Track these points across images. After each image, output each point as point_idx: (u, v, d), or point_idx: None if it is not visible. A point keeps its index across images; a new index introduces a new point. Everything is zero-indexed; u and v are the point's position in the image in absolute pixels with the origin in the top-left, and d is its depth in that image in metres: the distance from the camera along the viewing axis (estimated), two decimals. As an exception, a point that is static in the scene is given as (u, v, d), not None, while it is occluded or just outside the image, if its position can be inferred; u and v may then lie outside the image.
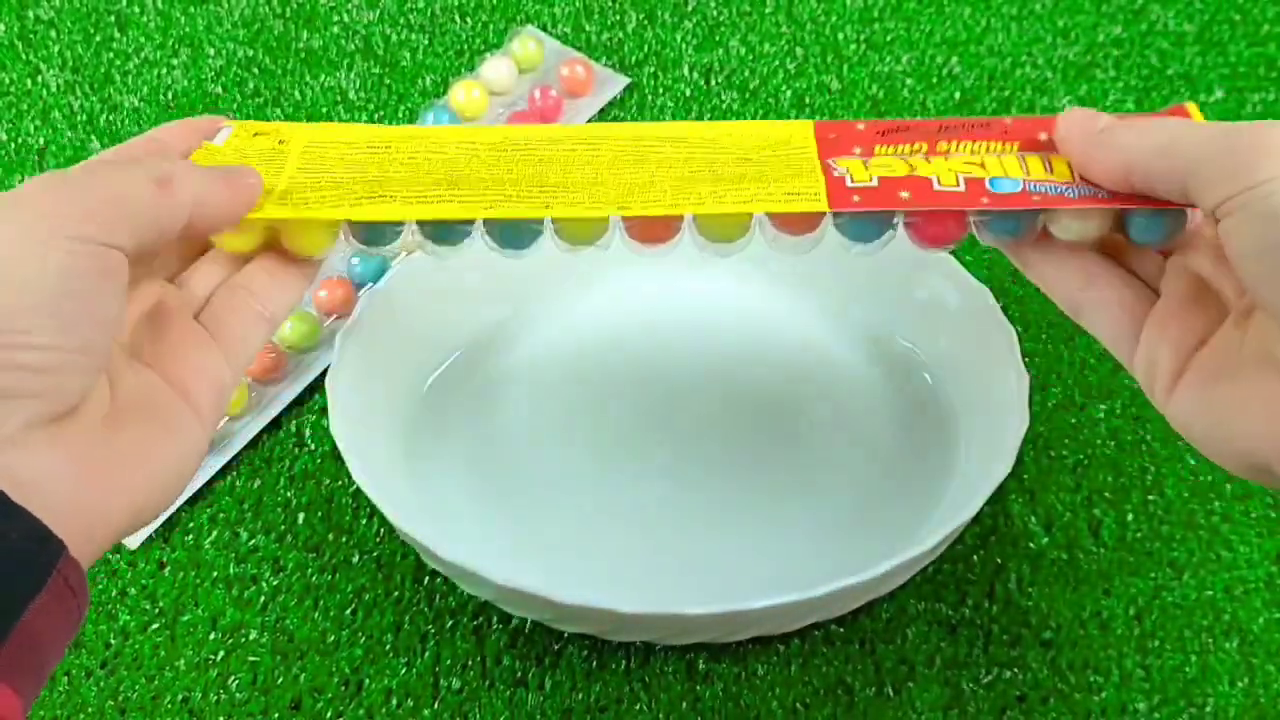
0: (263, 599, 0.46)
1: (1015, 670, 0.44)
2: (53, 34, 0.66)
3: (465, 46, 0.65)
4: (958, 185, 0.35)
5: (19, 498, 0.27)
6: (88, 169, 0.31)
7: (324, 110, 0.62)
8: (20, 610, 0.27)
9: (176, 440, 0.32)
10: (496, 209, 0.36)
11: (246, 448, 0.50)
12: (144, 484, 0.31)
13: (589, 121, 0.62)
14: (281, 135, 0.38)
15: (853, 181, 0.36)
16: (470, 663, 0.45)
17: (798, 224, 0.36)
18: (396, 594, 0.46)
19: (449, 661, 0.45)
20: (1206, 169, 0.31)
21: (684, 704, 0.44)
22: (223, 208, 0.34)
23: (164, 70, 0.64)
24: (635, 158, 0.37)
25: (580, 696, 0.44)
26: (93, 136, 0.61)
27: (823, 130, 0.38)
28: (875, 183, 0.36)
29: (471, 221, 0.36)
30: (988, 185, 0.35)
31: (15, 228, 0.28)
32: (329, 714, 0.43)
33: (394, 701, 0.44)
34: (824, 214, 0.35)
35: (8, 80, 0.64)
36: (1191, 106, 0.36)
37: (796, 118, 0.62)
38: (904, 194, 0.35)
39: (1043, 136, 0.37)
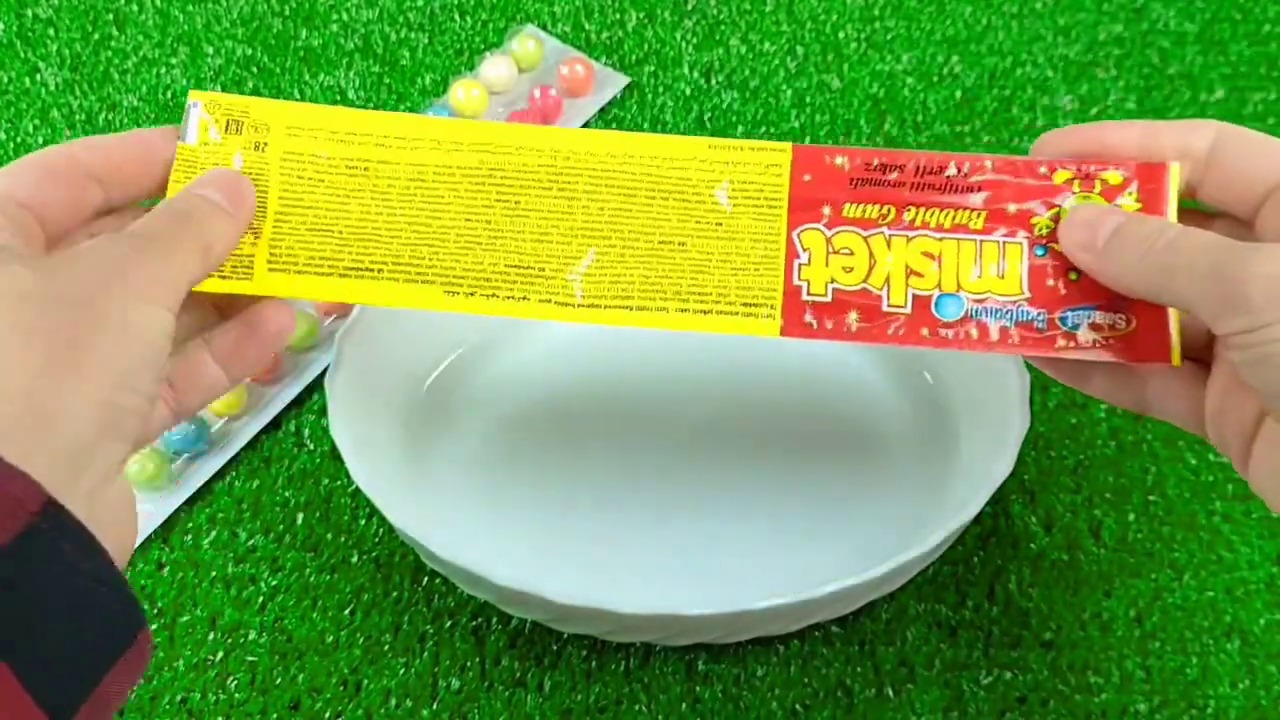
0: (261, 599, 0.46)
1: (1016, 672, 0.44)
2: (51, 32, 0.65)
3: (465, 45, 0.65)
4: (905, 307, 0.36)
5: (104, 540, 0.28)
6: (155, 237, 0.33)
7: (323, 109, 0.62)
8: (100, 675, 0.27)
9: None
10: (476, 299, 0.36)
11: (245, 448, 0.50)
12: (134, 530, 0.32)
13: (590, 120, 0.61)
14: (257, 132, 0.37)
15: (810, 293, 0.36)
16: (469, 663, 0.44)
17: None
18: (395, 594, 0.46)
19: (448, 662, 0.44)
20: (1204, 306, 0.31)
21: (683, 705, 0.44)
22: (232, 248, 0.36)
23: (163, 69, 0.64)
24: (609, 219, 0.37)
25: (579, 697, 0.44)
26: (91, 135, 0.61)
27: (799, 165, 0.37)
28: (829, 297, 0.36)
29: None
30: (933, 309, 0.36)
31: (134, 287, 0.31)
32: (328, 714, 0.43)
33: (393, 702, 0.44)
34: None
35: (6, 79, 0.63)
36: (1173, 169, 0.35)
37: (797, 117, 0.62)
38: (852, 317, 0.36)
39: (1011, 208, 0.37)
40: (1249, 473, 0.34)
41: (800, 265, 0.37)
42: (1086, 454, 0.50)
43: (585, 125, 0.61)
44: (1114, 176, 0.36)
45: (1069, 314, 0.36)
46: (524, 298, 0.36)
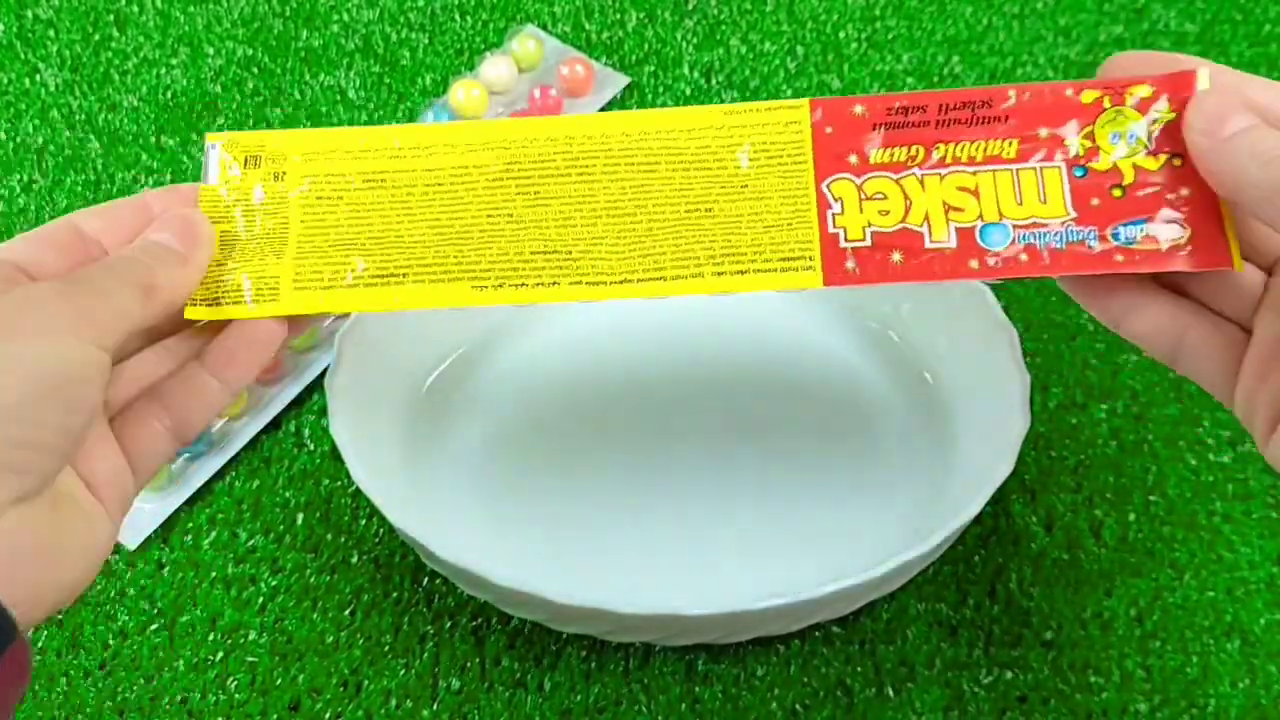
0: (261, 599, 0.46)
1: (1016, 671, 0.44)
2: (51, 33, 0.65)
3: (465, 45, 0.65)
4: (948, 240, 0.35)
5: None
6: (88, 279, 0.33)
7: (324, 109, 0.62)
8: None
9: (95, 529, 0.33)
10: (505, 290, 0.36)
11: (245, 448, 0.50)
12: (75, 565, 0.32)
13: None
14: (275, 163, 0.38)
15: (847, 239, 0.36)
16: (469, 664, 0.44)
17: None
18: (396, 595, 0.46)
19: (448, 662, 0.44)
20: None
21: (683, 705, 0.44)
22: (189, 291, 0.36)
23: (163, 69, 0.64)
24: (632, 196, 0.37)
25: (579, 698, 0.44)
26: (91, 136, 0.61)
27: (819, 120, 0.37)
28: (869, 240, 0.36)
29: None
30: (978, 239, 0.35)
31: (32, 323, 0.31)
32: (328, 715, 0.43)
33: (393, 702, 0.44)
34: None
35: (6, 79, 0.63)
36: (1202, 74, 0.35)
37: (797, 117, 0.62)
38: (896, 257, 0.35)
39: (1042, 132, 0.36)
40: (1270, 444, 0.33)
41: (834, 215, 0.36)
42: (1087, 454, 0.50)
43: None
44: (1143, 89, 0.35)
45: (1121, 229, 0.35)
46: (554, 283, 0.36)
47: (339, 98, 0.63)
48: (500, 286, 0.36)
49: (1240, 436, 0.50)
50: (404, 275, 0.36)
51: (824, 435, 0.49)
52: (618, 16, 0.66)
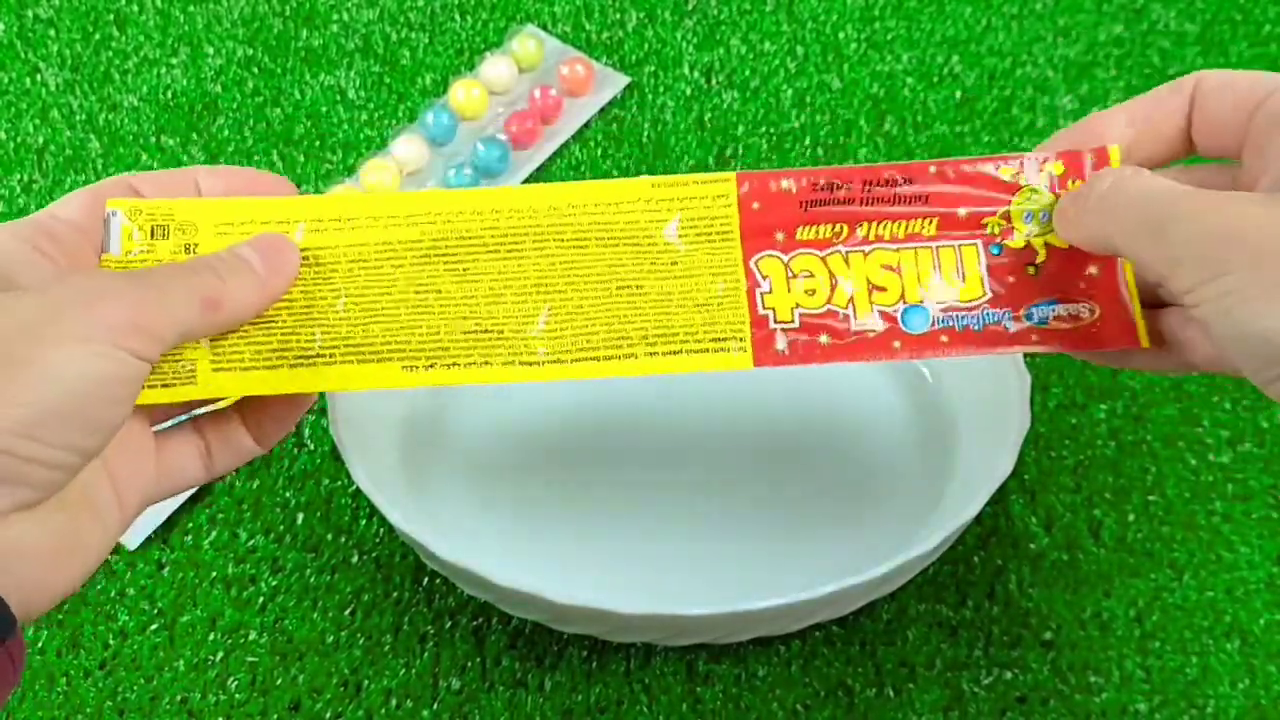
0: (262, 599, 0.46)
1: (1016, 671, 0.44)
2: (52, 33, 0.65)
3: (465, 45, 0.65)
4: (872, 324, 0.36)
5: None
6: (154, 277, 0.32)
7: (324, 109, 0.62)
8: None
9: (103, 528, 0.32)
10: (436, 370, 0.35)
11: (246, 448, 0.50)
12: (76, 565, 0.31)
13: (590, 120, 0.61)
14: (185, 234, 0.36)
15: (776, 320, 0.36)
16: (470, 664, 0.44)
17: None
18: (396, 595, 0.46)
19: (448, 662, 0.44)
20: (1148, 267, 0.31)
21: (684, 705, 0.44)
22: (254, 314, 0.35)
23: (163, 69, 0.64)
24: (562, 273, 0.36)
25: (580, 698, 0.44)
26: (91, 136, 0.61)
27: (746, 195, 0.37)
28: (796, 322, 0.36)
29: None
30: (900, 323, 0.36)
31: (78, 327, 0.29)
32: (328, 715, 0.43)
33: (393, 702, 0.44)
34: None
35: (6, 79, 0.63)
36: (1114, 151, 0.35)
37: (797, 117, 0.62)
38: (823, 339, 0.36)
39: (961, 211, 0.36)
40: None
41: (762, 294, 0.36)
42: (1086, 454, 0.50)
43: (586, 125, 0.61)
44: (1057, 167, 0.36)
45: (1034, 310, 0.36)
46: (485, 362, 0.35)
47: (339, 98, 0.63)
48: (431, 367, 0.35)
49: (1240, 436, 0.50)
50: (330, 355, 0.35)
51: (824, 435, 0.49)
52: (618, 16, 0.66)
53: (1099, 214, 0.33)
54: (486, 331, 0.36)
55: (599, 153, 0.60)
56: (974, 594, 0.46)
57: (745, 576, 0.44)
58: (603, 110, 0.62)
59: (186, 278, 0.32)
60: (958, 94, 0.62)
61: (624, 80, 0.63)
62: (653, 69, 0.64)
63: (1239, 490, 0.48)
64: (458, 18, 0.66)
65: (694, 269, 0.36)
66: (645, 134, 0.61)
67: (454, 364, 0.35)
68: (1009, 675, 0.44)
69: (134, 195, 0.35)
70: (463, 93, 0.60)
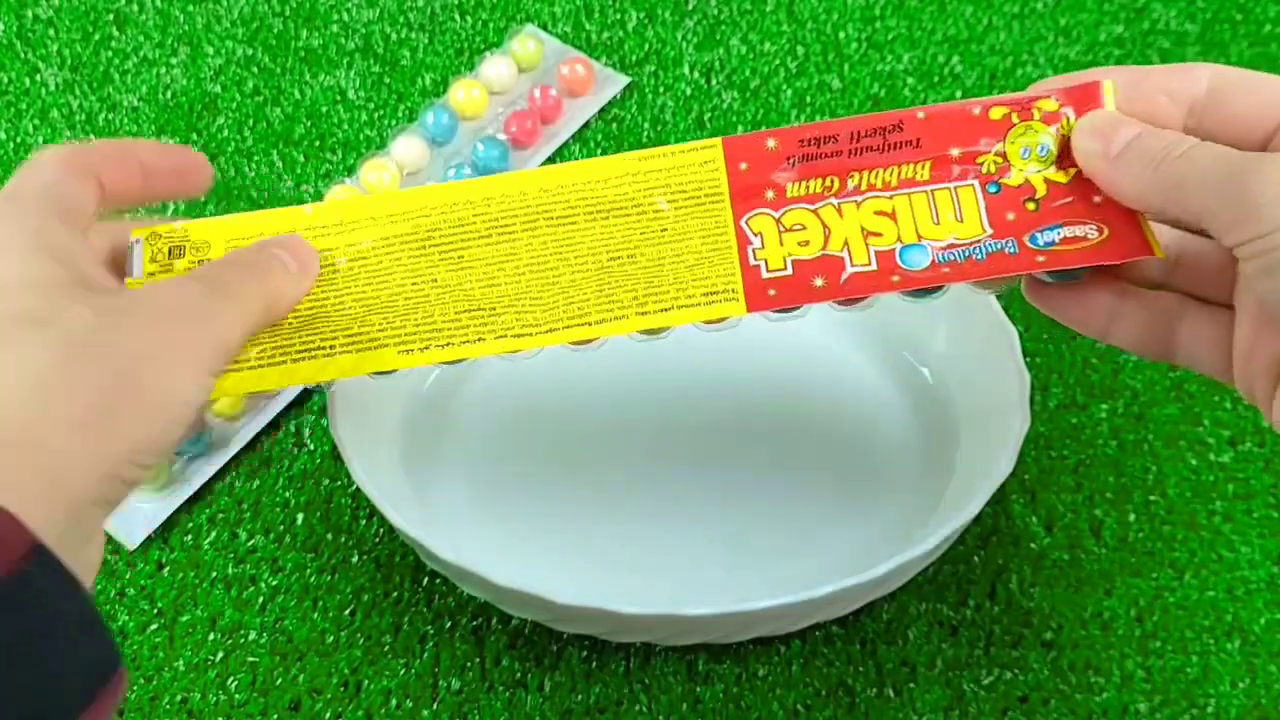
0: (261, 600, 0.46)
1: (1016, 671, 0.44)
2: (51, 33, 0.65)
3: (465, 45, 0.65)
4: (869, 264, 0.35)
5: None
6: (227, 284, 0.33)
7: (323, 109, 0.62)
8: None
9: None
10: (431, 351, 0.36)
11: (245, 448, 0.50)
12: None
13: (590, 120, 0.61)
14: (199, 251, 0.38)
15: (768, 271, 0.36)
16: (469, 664, 0.44)
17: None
18: (396, 594, 0.46)
19: (448, 662, 0.44)
20: (1216, 217, 0.30)
21: (684, 705, 0.43)
22: (292, 307, 0.36)
23: (163, 69, 0.64)
24: (554, 250, 0.37)
25: (580, 698, 0.44)
26: (91, 136, 0.61)
27: (733, 155, 0.37)
28: (789, 270, 0.36)
29: None
30: (898, 260, 0.35)
31: (183, 354, 0.30)
32: (328, 715, 0.43)
33: (393, 702, 0.44)
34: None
35: (6, 79, 0.63)
36: (1107, 86, 0.35)
37: (797, 117, 0.62)
38: (818, 281, 0.35)
39: (954, 151, 0.36)
40: (1274, 414, 0.33)
41: (754, 250, 0.36)
42: (1087, 453, 0.49)
43: (586, 125, 0.61)
44: (1049, 103, 0.36)
45: (1038, 235, 0.35)
46: (480, 339, 0.36)
47: (339, 97, 0.62)
48: (426, 349, 0.36)
49: (1240, 436, 0.50)
50: (331, 348, 0.36)
51: (824, 435, 0.49)
52: (618, 16, 0.66)
53: (1125, 170, 0.33)
54: (480, 309, 0.36)
55: (599, 152, 0.60)
56: (975, 594, 0.46)
57: (746, 576, 0.44)
58: (603, 110, 0.62)
59: (252, 280, 0.34)
60: (958, 94, 0.62)
61: (624, 80, 0.63)
62: (653, 69, 0.64)
63: (1240, 489, 0.48)
64: (458, 18, 0.66)
65: (685, 233, 0.36)
66: (645, 134, 0.61)
67: (448, 343, 0.36)
68: (1010, 675, 0.44)
69: (91, 172, 0.35)
70: (463, 93, 0.60)
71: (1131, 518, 0.48)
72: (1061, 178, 0.36)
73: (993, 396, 0.45)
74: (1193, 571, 0.46)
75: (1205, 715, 0.43)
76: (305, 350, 0.36)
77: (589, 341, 0.36)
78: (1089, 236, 0.35)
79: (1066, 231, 0.35)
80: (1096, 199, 0.35)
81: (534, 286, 0.36)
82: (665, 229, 0.37)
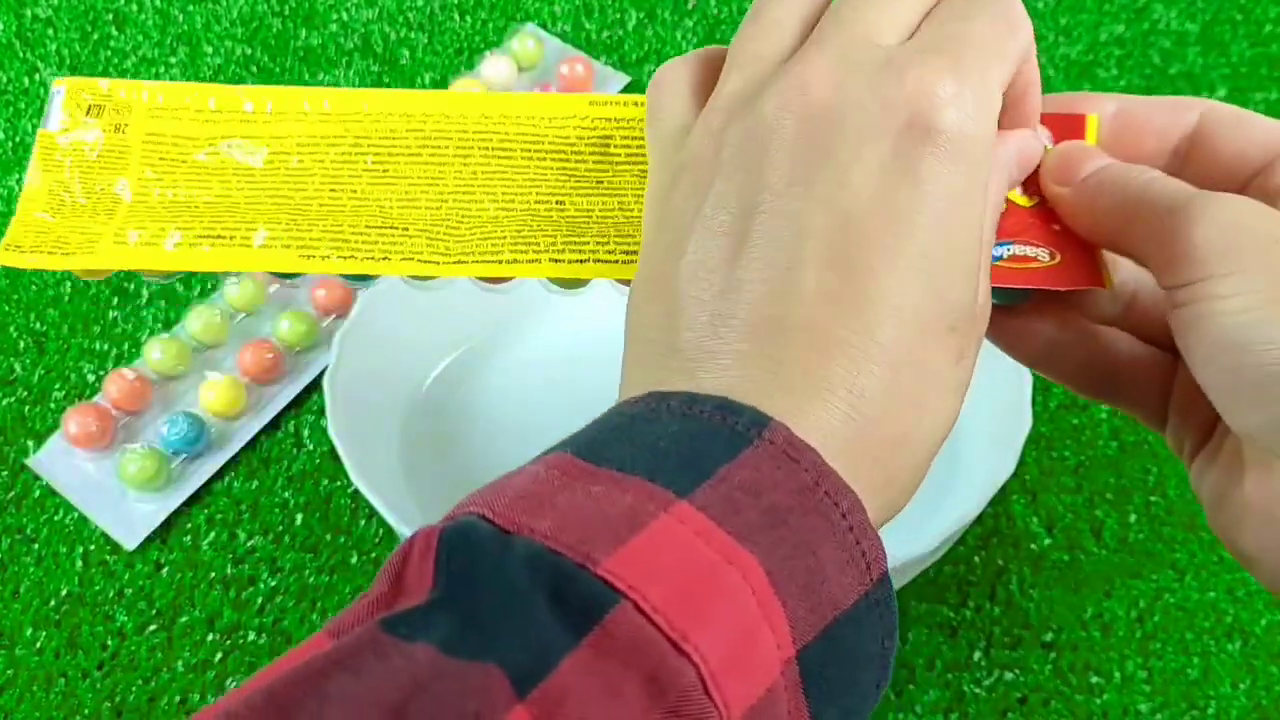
0: (260, 600, 0.46)
1: (1017, 672, 0.44)
2: (50, 32, 0.65)
3: (465, 45, 0.65)
4: None
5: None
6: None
7: (323, 109, 0.62)
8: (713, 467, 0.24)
9: None
10: (332, 261, 0.34)
11: (244, 448, 0.50)
12: None
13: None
14: (118, 114, 0.36)
15: None
16: (469, 664, 0.44)
17: None
18: (395, 595, 0.46)
19: (447, 663, 0.44)
20: (1154, 254, 0.28)
21: (684, 706, 0.43)
22: None
23: (162, 69, 0.64)
24: (482, 182, 0.35)
25: (579, 698, 0.44)
26: (90, 135, 0.61)
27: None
28: None
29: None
30: None
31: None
32: (327, 716, 0.43)
33: (392, 703, 0.43)
34: None
35: (5, 79, 0.63)
36: (1091, 120, 0.33)
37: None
38: None
39: None
40: (1192, 478, 0.31)
41: None
42: (1088, 454, 0.49)
43: (585, 125, 0.61)
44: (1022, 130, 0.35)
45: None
46: (385, 257, 0.34)
47: (338, 97, 0.62)
48: (327, 258, 0.34)
49: (1241, 437, 0.50)
50: (230, 238, 0.34)
51: (824, 436, 0.49)
52: (618, 16, 0.66)
53: (1086, 197, 0.31)
54: (392, 228, 0.34)
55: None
56: (975, 595, 0.46)
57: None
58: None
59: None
60: (958, 93, 0.62)
61: (624, 80, 0.63)
62: (652, 68, 0.64)
63: (1240, 491, 0.48)
64: (457, 17, 0.66)
65: (619, 188, 0.35)
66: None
67: (352, 255, 0.34)
68: (1010, 676, 0.44)
69: None
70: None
71: (1132, 519, 0.48)
72: (1025, 201, 0.34)
73: (994, 397, 0.45)
74: (1193, 573, 0.46)
75: (1206, 717, 0.43)
76: (205, 235, 0.34)
77: (499, 281, 0.35)
78: (1039, 259, 0.34)
79: (1016, 249, 0.33)
80: (1055, 227, 0.34)
81: (453, 215, 0.35)
82: (601, 181, 0.35)
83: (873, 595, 0.24)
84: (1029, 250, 0.33)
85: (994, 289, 0.31)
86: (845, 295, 0.25)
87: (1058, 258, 0.33)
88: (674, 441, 0.24)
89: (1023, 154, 0.31)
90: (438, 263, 0.34)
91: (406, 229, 0.34)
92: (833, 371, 0.25)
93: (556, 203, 0.35)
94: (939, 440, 0.28)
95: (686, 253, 0.27)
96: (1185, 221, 0.27)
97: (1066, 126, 0.34)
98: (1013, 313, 0.34)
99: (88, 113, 0.36)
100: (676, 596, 0.21)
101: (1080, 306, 0.33)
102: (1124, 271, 0.33)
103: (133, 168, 0.35)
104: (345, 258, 0.34)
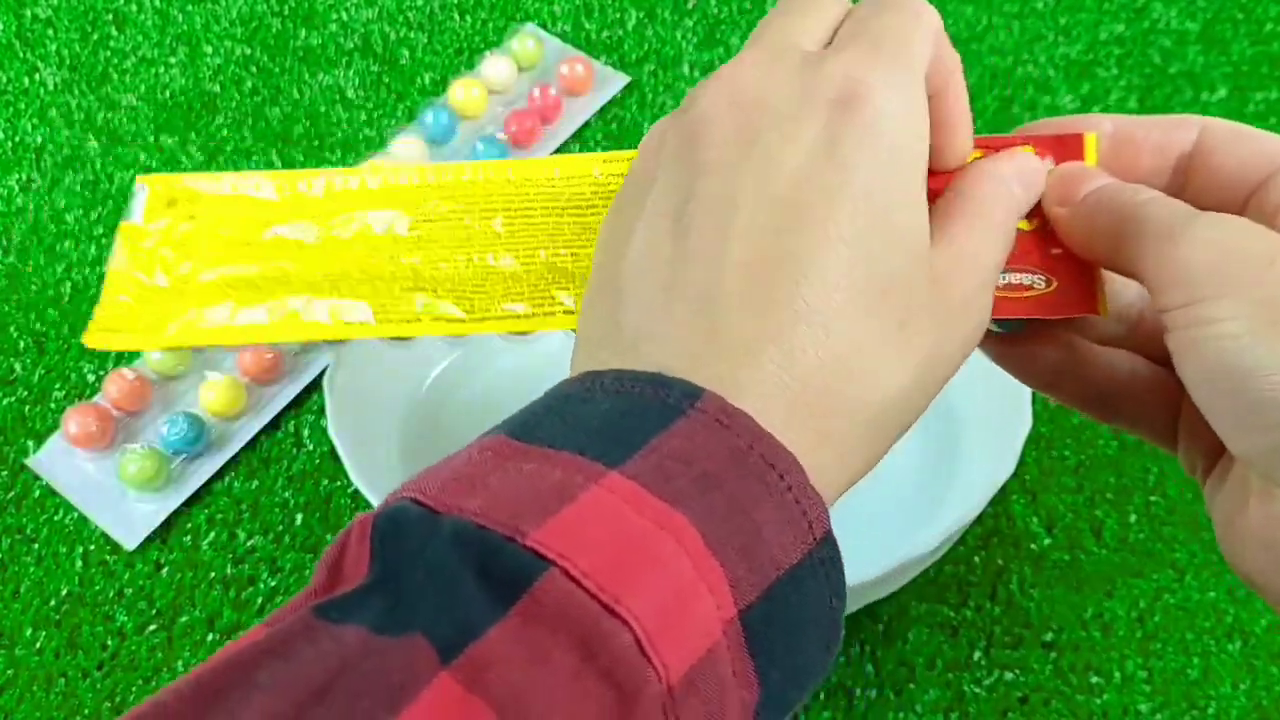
0: (260, 600, 0.46)
1: (1017, 672, 0.44)
2: (50, 32, 0.65)
3: (465, 45, 0.65)
4: None
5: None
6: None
7: (322, 109, 0.62)
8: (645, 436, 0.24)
9: None
10: (370, 325, 0.36)
11: (244, 448, 0.50)
12: None
13: (589, 120, 0.61)
14: (191, 203, 0.38)
15: None
16: (469, 664, 0.44)
17: None
18: (395, 595, 0.46)
19: (447, 663, 0.44)
20: (1150, 275, 0.28)
21: (684, 706, 0.43)
22: None
23: (161, 68, 0.64)
24: (506, 239, 0.38)
25: (579, 698, 0.44)
26: (90, 135, 0.61)
27: None
28: None
29: None
30: None
31: None
32: (327, 716, 0.43)
33: (392, 703, 0.43)
34: None
35: (5, 79, 0.63)
36: (1090, 139, 0.33)
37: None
38: None
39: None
40: (1208, 501, 0.30)
41: None
42: (1088, 454, 0.49)
43: (586, 124, 0.61)
44: (1024, 150, 0.35)
45: None
46: (416, 319, 0.37)
47: (338, 97, 0.62)
48: (365, 323, 0.37)
49: (1241, 437, 0.50)
50: (285, 311, 0.37)
51: (824, 435, 0.49)
52: (618, 16, 0.66)
53: (1084, 217, 0.31)
54: (423, 290, 0.37)
55: (599, 151, 0.60)
56: (975, 594, 0.46)
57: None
58: (602, 109, 0.62)
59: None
60: (958, 93, 0.62)
61: (624, 79, 0.63)
62: (652, 68, 0.64)
63: (1241, 490, 0.48)
64: (457, 17, 0.66)
65: None
66: (645, 133, 0.61)
67: (386, 320, 0.37)
68: (1010, 676, 0.44)
69: None
70: (462, 92, 0.60)
71: (1132, 518, 0.48)
72: (1025, 225, 0.35)
73: (995, 397, 0.45)
74: (1193, 573, 0.46)
75: (1206, 716, 0.43)
76: (269, 309, 0.37)
77: (521, 334, 0.37)
78: (1035, 286, 0.34)
79: (1011, 278, 0.33)
80: (1055, 250, 0.33)
81: (479, 273, 0.37)
82: None
83: (817, 554, 0.25)
84: (1024, 278, 0.33)
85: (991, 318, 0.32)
86: (775, 260, 0.26)
87: (1053, 284, 0.34)
88: (605, 418, 0.25)
89: (1023, 174, 0.32)
90: (464, 319, 0.37)
91: (436, 289, 0.37)
92: (764, 331, 0.26)
93: (571, 254, 0.37)
94: (886, 405, 0.28)
95: (632, 245, 0.28)
96: (1175, 243, 0.27)
97: (1066, 147, 0.34)
98: (1014, 340, 0.34)
99: (167, 205, 0.38)
100: (607, 562, 0.22)
101: (1082, 330, 0.33)
102: (1130, 292, 0.33)
103: (202, 253, 0.38)
104: (381, 322, 0.37)
